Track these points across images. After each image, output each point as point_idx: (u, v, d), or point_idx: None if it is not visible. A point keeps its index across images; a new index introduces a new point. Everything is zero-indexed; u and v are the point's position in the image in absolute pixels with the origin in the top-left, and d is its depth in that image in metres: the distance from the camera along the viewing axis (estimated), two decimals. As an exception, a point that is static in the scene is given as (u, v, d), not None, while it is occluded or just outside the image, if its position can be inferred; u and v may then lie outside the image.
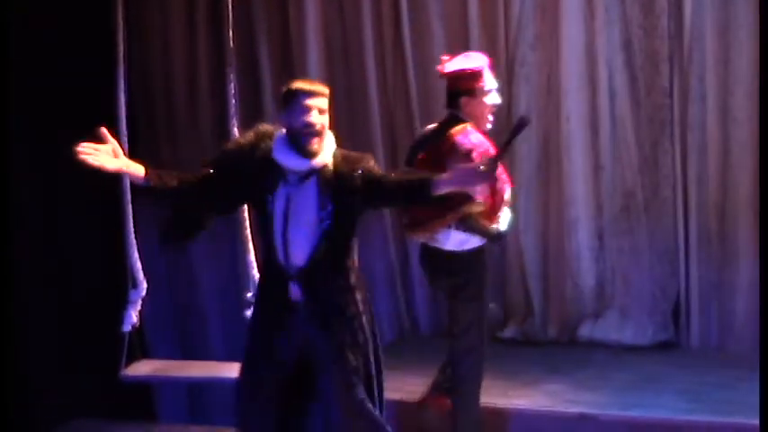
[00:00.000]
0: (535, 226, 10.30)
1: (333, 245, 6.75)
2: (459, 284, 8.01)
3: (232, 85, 8.91)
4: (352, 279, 6.93)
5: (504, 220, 7.86)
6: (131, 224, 8.97)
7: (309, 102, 6.65)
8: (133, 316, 8.88)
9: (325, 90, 6.79)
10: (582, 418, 8.47)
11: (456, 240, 7.82)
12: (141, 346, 9.39)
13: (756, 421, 7.56)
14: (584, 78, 9.89)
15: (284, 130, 6.76)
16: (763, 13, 7.97)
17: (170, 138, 10.52)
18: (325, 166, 6.70)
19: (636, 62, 9.83)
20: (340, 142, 6.93)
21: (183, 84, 10.70)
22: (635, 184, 9.88)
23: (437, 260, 8.02)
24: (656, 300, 10.05)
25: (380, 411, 7.03)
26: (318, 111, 6.66)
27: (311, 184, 6.67)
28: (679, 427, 8.28)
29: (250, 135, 6.98)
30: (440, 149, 7.68)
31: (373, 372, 6.97)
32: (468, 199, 7.63)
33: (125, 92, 9.02)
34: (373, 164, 6.84)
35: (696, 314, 9.86)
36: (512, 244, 10.22)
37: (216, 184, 6.79)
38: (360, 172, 6.71)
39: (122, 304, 8.86)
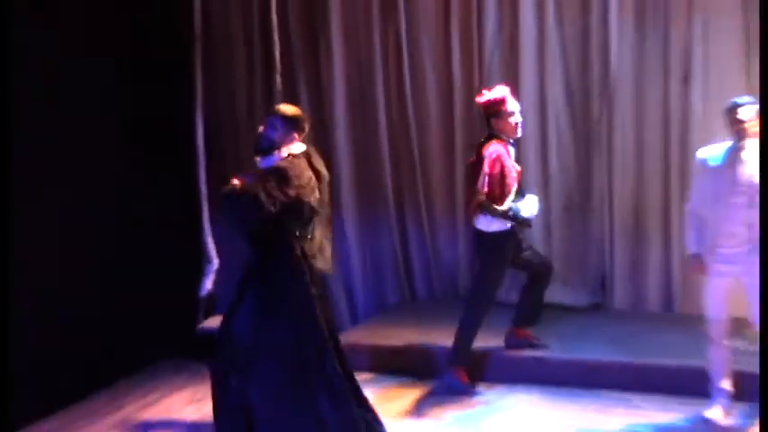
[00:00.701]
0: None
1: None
2: (483, 254, 8.86)
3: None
4: (289, 266, 7.29)
5: (524, 208, 8.67)
6: (207, 215, 9.95)
7: (267, 116, 7.38)
8: (207, 284, 9.87)
9: (282, 112, 7.36)
10: (538, 360, 9.14)
11: (483, 223, 8.62)
12: (214, 306, 10.05)
13: (662, 360, 8.73)
14: (537, 111, 10.37)
15: None
16: (764, 18, 7.47)
17: (238, 166, 10.14)
18: (266, 169, 7.22)
19: (575, 99, 10.36)
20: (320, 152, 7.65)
21: (244, 119, 10.92)
22: (574, 190, 10.50)
23: (475, 236, 8.88)
24: (588, 273, 10.61)
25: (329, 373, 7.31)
26: (266, 123, 7.30)
27: None
28: (608, 366, 8.91)
29: None
30: (479, 156, 8.60)
31: (312, 356, 7.25)
32: (475, 192, 8.55)
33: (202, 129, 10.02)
34: (271, 184, 7.12)
35: (618, 284, 10.44)
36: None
37: None
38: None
39: (200, 275, 9.82)
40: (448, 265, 10.99)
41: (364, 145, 10.90)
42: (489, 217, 8.62)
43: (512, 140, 8.80)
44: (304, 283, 7.28)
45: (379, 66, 10.80)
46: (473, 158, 8.79)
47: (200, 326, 9.87)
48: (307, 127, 7.50)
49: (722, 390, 7.87)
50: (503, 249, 8.80)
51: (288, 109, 7.45)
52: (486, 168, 8.56)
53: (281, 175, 7.15)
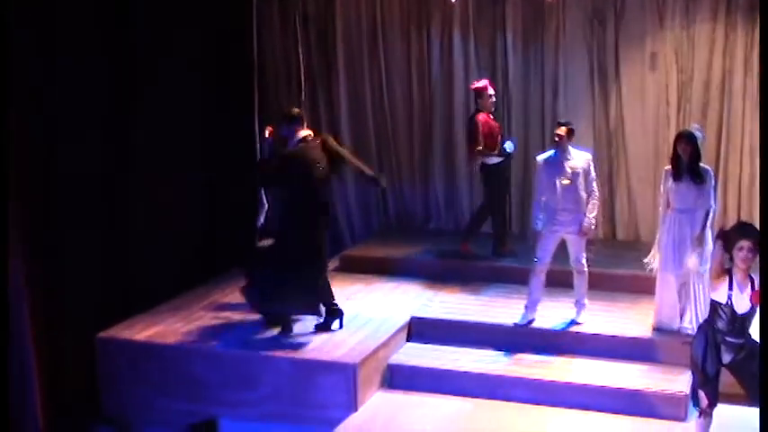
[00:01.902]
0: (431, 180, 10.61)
1: None
2: (487, 178, 9.12)
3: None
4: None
5: (508, 146, 8.97)
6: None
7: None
8: (261, 218, 8.93)
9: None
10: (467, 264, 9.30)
11: (488, 159, 9.00)
12: (267, 232, 9.22)
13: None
14: (463, 112, 10.06)
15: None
16: (764, 17, 6.53)
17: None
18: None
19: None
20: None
21: None
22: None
23: (482, 167, 9.14)
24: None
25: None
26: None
27: None
28: (514, 269, 8.78)
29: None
30: (473, 122, 9.00)
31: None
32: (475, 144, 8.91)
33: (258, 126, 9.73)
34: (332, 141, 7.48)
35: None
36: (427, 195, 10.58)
37: None
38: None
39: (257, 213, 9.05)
40: (410, 206, 10.77)
41: (358, 133, 10.68)
42: (489, 156, 9.00)
43: (490, 112, 9.14)
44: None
45: (367, 83, 10.60)
46: (469, 121, 9.22)
47: (258, 245, 9.60)
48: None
49: (533, 298, 7.99)
50: (500, 173, 9.08)
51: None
52: (480, 129, 8.98)
53: None
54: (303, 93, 10.07)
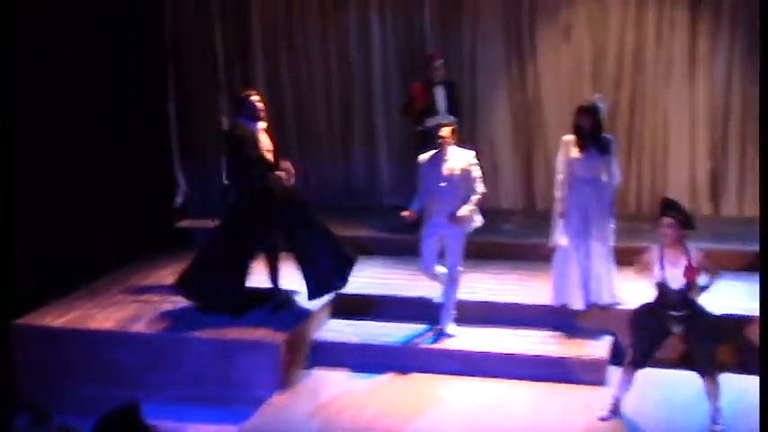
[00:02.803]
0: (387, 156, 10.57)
1: None
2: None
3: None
4: None
5: (431, 120, 8.22)
6: (177, 160, 10.10)
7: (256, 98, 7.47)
8: (179, 200, 10.06)
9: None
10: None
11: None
12: (184, 212, 10.15)
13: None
14: (381, 86, 10.26)
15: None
16: (764, 15, 6.54)
17: (199, 127, 10.30)
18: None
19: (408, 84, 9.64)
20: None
21: (200, 98, 10.38)
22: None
23: None
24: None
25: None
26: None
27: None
28: None
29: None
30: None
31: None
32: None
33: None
34: None
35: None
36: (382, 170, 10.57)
37: None
38: None
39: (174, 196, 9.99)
40: (331, 183, 10.62)
41: (277, 111, 10.03)
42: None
43: (435, 82, 9.09)
44: None
45: (284, 61, 10.56)
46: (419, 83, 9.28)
47: (176, 226, 9.96)
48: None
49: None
50: (423, 144, 8.12)
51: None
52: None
53: None
54: (221, 75, 10.11)
